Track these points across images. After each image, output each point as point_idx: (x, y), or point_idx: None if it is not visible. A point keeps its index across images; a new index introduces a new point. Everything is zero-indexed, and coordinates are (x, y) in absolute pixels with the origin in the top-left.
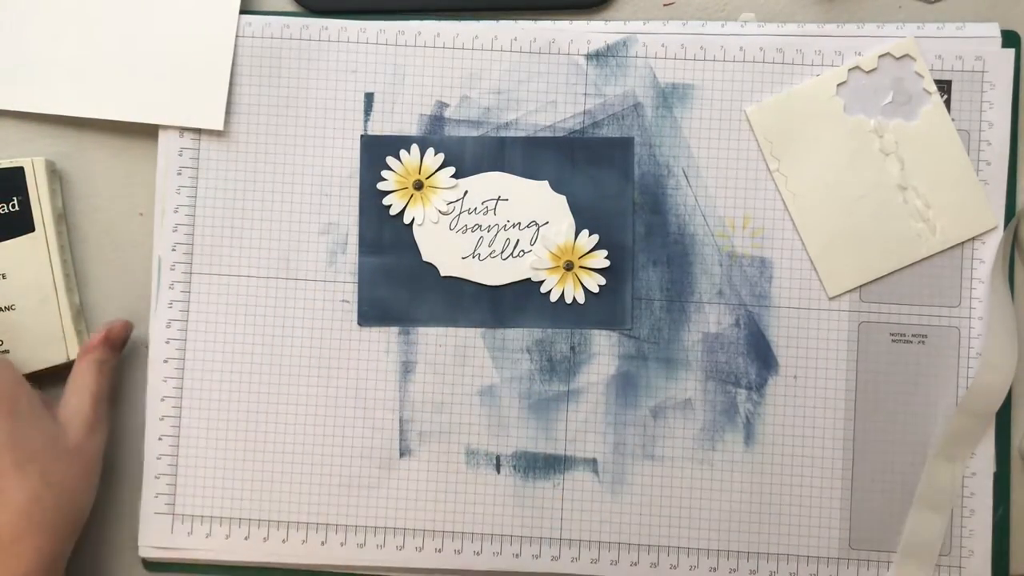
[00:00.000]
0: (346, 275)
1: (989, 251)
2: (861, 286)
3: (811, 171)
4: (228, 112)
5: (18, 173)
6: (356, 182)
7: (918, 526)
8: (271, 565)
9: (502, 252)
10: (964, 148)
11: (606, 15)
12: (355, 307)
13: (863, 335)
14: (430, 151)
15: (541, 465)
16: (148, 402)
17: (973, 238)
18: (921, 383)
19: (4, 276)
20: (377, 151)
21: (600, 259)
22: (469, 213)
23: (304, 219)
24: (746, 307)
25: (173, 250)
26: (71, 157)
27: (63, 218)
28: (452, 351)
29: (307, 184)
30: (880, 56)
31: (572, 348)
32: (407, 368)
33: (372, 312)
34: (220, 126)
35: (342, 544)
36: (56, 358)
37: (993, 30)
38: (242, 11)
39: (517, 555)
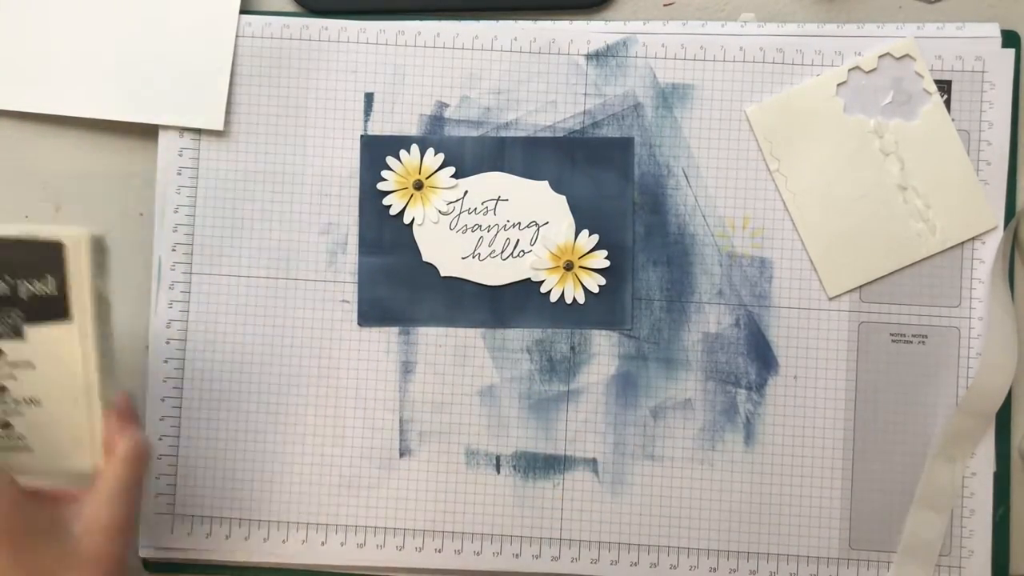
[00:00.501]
0: (346, 275)
1: (989, 251)
2: (861, 286)
3: (811, 171)
4: (228, 112)
5: (55, 249)
6: (356, 182)
7: (918, 526)
8: (271, 565)
9: (502, 252)
10: (964, 148)
11: (606, 15)
12: (355, 307)
13: (863, 335)
14: (430, 151)
15: (541, 465)
16: (148, 402)
17: (973, 238)
18: (921, 383)
19: (33, 366)
20: (377, 151)
21: (600, 259)
22: (469, 213)
23: (304, 219)
24: (746, 307)
25: (173, 250)
26: (71, 157)
27: (106, 301)
28: (452, 351)
29: (307, 184)
30: (880, 56)
31: (572, 348)
32: (407, 368)
33: (372, 312)
34: (220, 126)
35: (342, 544)
36: (79, 466)
37: (993, 30)
38: (242, 11)
39: (517, 555)
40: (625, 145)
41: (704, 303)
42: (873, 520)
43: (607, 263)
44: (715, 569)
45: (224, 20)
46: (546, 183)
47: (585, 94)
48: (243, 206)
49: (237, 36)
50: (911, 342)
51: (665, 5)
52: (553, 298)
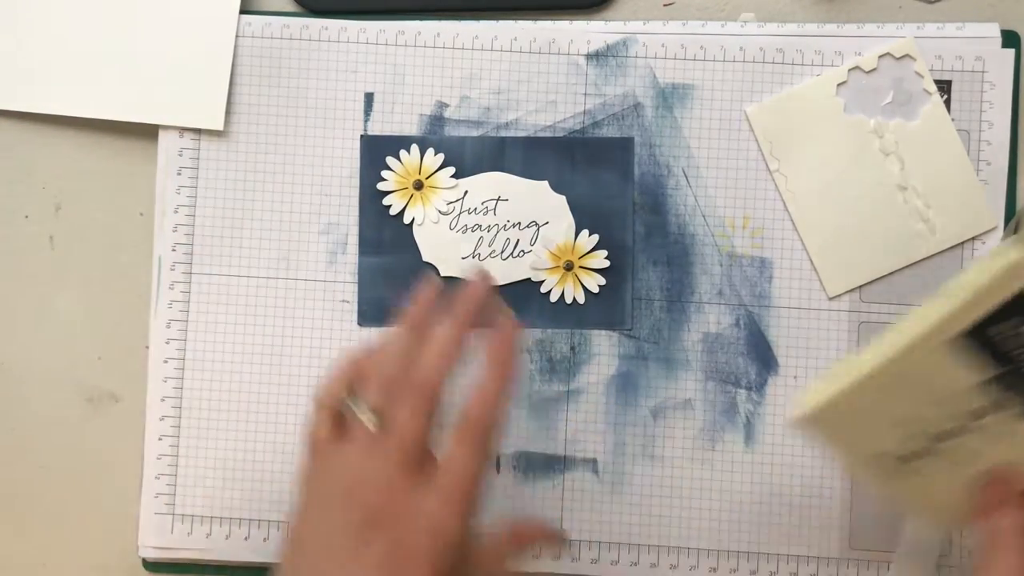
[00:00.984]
0: (346, 275)
1: (989, 251)
2: (861, 286)
3: (811, 171)
4: (228, 112)
5: None
6: (356, 182)
7: (918, 526)
8: (271, 565)
9: (502, 252)
10: (964, 148)
11: (606, 15)
12: (355, 307)
13: (863, 335)
14: (430, 151)
15: (541, 465)
16: (148, 402)
17: (973, 238)
18: None
19: None
20: (377, 151)
21: (600, 259)
22: (469, 213)
23: (304, 219)
24: (746, 307)
25: (173, 250)
26: (71, 157)
27: None
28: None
29: (307, 184)
30: (880, 56)
31: (572, 348)
32: None
33: (372, 312)
34: (220, 126)
35: None
36: None
37: (993, 30)
38: (242, 11)
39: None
40: (625, 145)
41: (704, 303)
42: (873, 520)
43: (607, 263)
44: (715, 569)
45: (224, 20)
46: (546, 183)
47: (585, 94)
48: (243, 206)
49: (237, 36)
50: None
51: (665, 5)
52: (553, 298)
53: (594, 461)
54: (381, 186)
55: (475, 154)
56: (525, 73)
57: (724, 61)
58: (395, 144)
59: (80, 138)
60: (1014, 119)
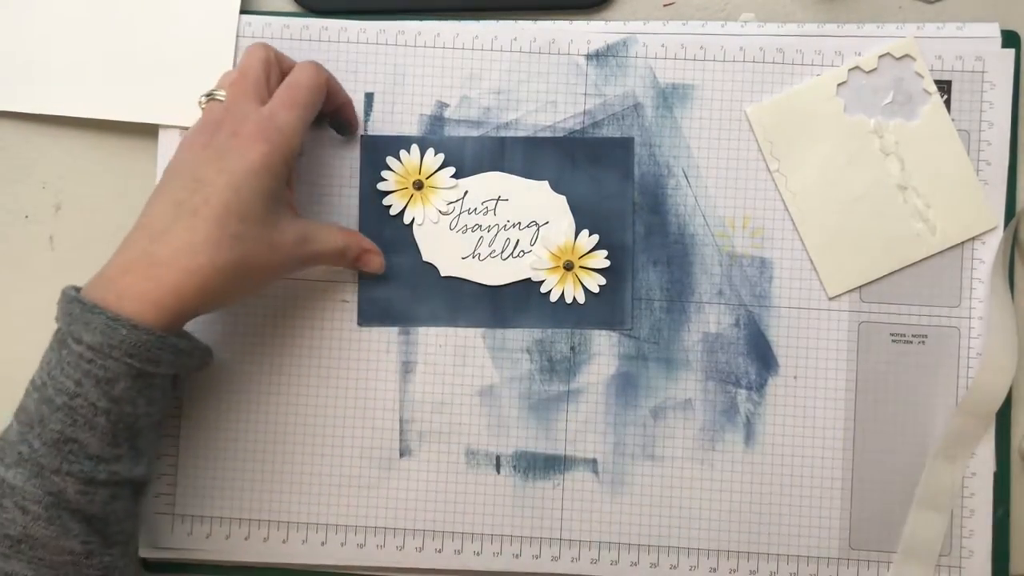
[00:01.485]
0: (346, 275)
1: (989, 251)
2: (861, 286)
3: (811, 171)
4: None
5: None
6: (356, 182)
7: (918, 526)
8: (271, 565)
9: (502, 252)
10: (964, 148)
11: (606, 15)
12: (355, 307)
13: (863, 335)
14: (430, 151)
15: (541, 465)
16: None
17: (973, 238)
18: (921, 383)
19: None
20: (377, 151)
21: (600, 259)
22: (469, 213)
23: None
24: (746, 307)
25: None
26: (71, 157)
27: None
28: (452, 351)
29: (307, 184)
30: (880, 56)
31: (572, 348)
32: (407, 368)
33: (372, 312)
34: None
35: (342, 544)
36: None
37: (993, 30)
38: (242, 11)
39: (517, 555)
40: (625, 145)
41: (704, 303)
42: (873, 520)
43: (607, 263)
44: (715, 569)
45: (224, 20)
46: (546, 183)
47: (585, 94)
48: None
49: (237, 36)
50: (911, 342)
51: (665, 5)
52: (553, 298)
53: (594, 461)
54: (381, 186)
55: (475, 154)
56: (525, 73)
57: (724, 61)
58: (395, 144)
59: (80, 138)
60: (1014, 119)
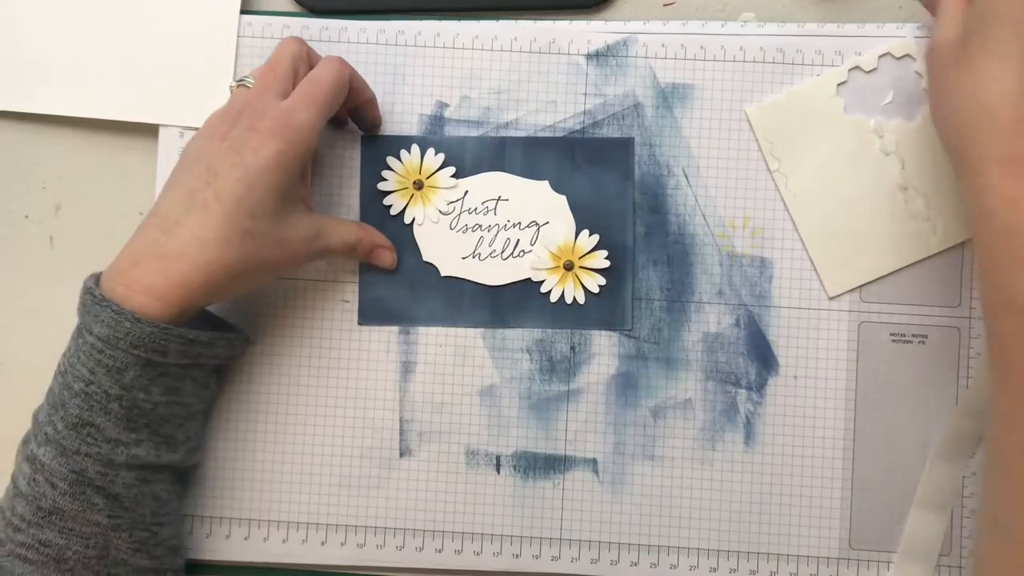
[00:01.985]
0: (346, 275)
1: None
2: (861, 286)
3: (811, 171)
4: None
5: None
6: (356, 182)
7: (918, 526)
8: (271, 565)
9: (502, 252)
10: None
11: (606, 15)
12: (355, 307)
13: (863, 335)
14: (430, 151)
15: (541, 465)
16: None
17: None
18: (921, 383)
19: None
20: (377, 151)
21: (600, 259)
22: (469, 213)
23: None
24: (746, 307)
25: None
26: (71, 157)
27: None
28: (452, 351)
29: (307, 184)
30: (880, 56)
31: (572, 348)
32: (407, 368)
33: (372, 312)
34: None
35: (342, 544)
36: None
37: None
38: (242, 11)
39: (517, 555)
40: (625, 145)
41: (704, 303)
42: (873, 520)
43: (607, 263)
44: (715, 569)
45: (224, 20)
46: (546, 183)
47: (585, 94)
48: None
49: (238, 36)
50: (911, 342)
51: (665, 5)
52: (553, 298)
53: (594, 461)
54: (381, 186)
55: (475, 154)
56: (525, 73)
57: (724, 61)
58: (395, 144)
59: (80, 138)
60: None
